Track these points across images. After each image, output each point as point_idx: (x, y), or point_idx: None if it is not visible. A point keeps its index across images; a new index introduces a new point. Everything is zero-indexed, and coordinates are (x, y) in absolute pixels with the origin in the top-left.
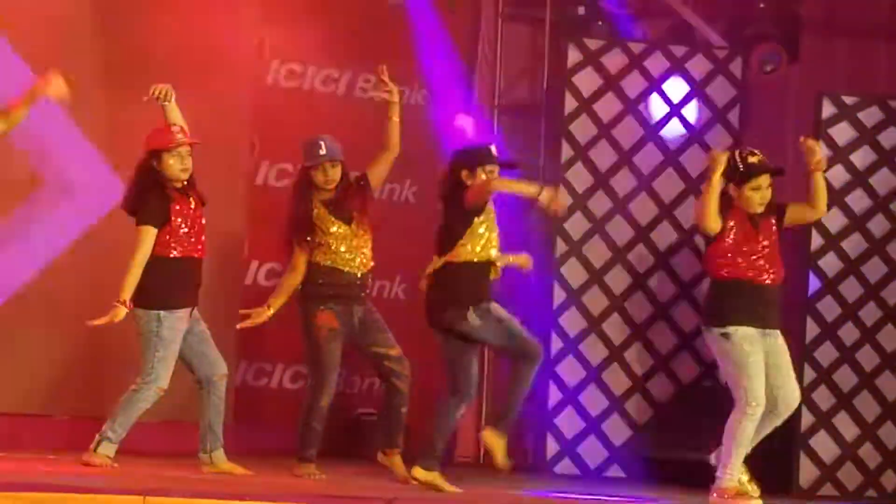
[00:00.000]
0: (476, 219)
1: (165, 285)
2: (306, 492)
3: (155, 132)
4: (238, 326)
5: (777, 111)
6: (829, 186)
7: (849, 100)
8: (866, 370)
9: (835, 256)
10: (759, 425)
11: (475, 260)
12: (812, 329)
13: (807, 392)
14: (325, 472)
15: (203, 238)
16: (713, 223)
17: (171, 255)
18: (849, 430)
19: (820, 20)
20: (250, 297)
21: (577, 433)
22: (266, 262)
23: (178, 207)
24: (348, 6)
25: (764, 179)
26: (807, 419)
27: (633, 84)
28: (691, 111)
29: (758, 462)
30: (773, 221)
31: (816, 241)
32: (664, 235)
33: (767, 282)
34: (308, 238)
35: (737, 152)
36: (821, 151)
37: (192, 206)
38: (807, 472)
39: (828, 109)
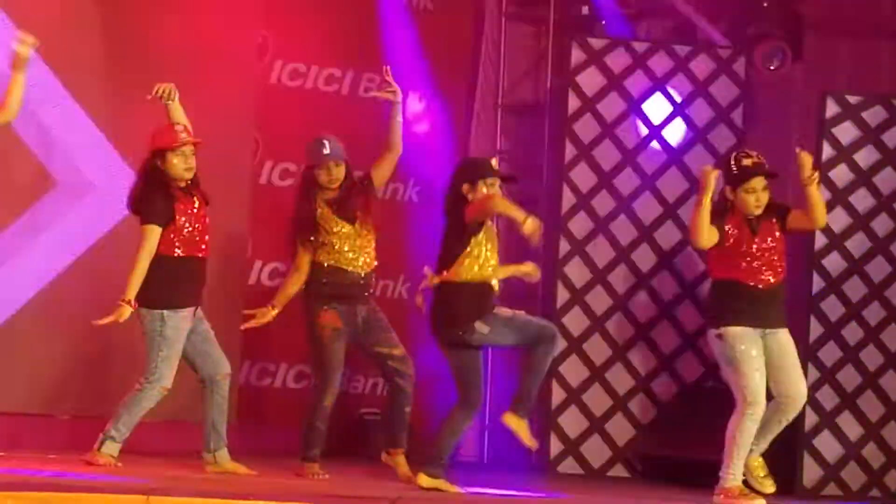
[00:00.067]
0: (473, 238)
1: (169, 285)
2: (310, 491)
3: (158, 131)
4: (242, 327)
5: (781, 111)
6: (833, 185)
7: (853, 99)
8: (870, 370)
9: (838, 256)
10: (768, 424)
11: (473, 280)
12: (816, 328)
13: (810, 392)
14: (328, 471)
15: (207, 237)
16: (705, 241)
17: (175, 255)
18: (852, 429)
19: (823, 19)
20: (254, 297)
21: (581, 432)
22: (269, 261)
23: (182, 207)
24: (350, 5)
25: (758, 182)
26: (810, 419)
27: (636, 84)
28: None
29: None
30: (775, 222)
31: (820, 240)
32: (667, 235)
33: (762, 285)
34: (312, 238)
35: (733, 154)
36: (811, 166)
37: (196, 205)
38: (810, 472)
39: (832, 109)
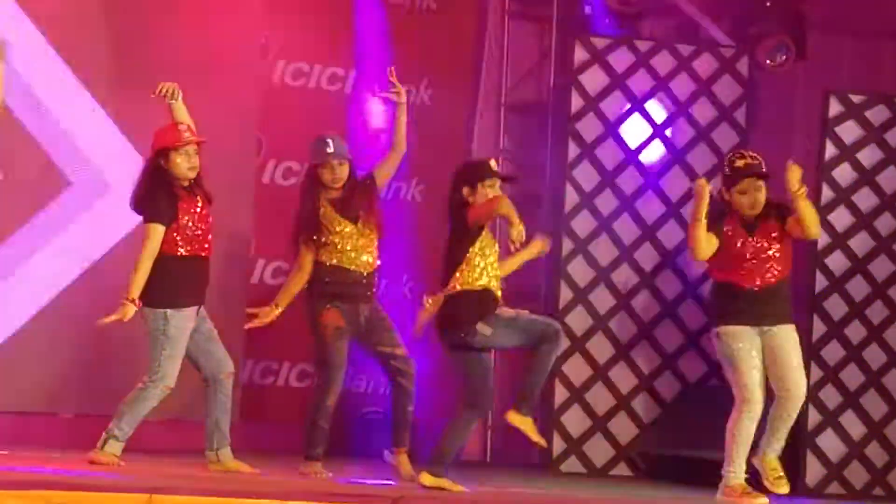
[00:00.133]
0: (476, 243)
1: (173, 284)
2: (313, 490)
3: (162, 131)
4: (246, 326)
5: (784, 110)
6: (836, 184)
7: (856, 98)
8: (873, 369)
9: (842, 255)
10: (774, 423)
11: (476, 284)
12: (819, 327)
13: (814, 391)
14: (331, 470)
15: (210, 237)
16: (704, 253)
17: (179, 254)
18: (856, 428)
19: (826, 18)
20: (257, 296)
21: (584, 432)
22: (272, 260)
23: (185, 206)
24: (352, 5)
25: (749, 183)
26: (814, 418)
27: (639, 82)
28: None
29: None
30: (775, 222)
31: (823, 239)
32: (670, 234)
33: (756, 287)
34: (314, 237)
35: (728, 155)
36: (798, 180)
37: (200, 204)
38: (814, 471)
39: (835, 108)
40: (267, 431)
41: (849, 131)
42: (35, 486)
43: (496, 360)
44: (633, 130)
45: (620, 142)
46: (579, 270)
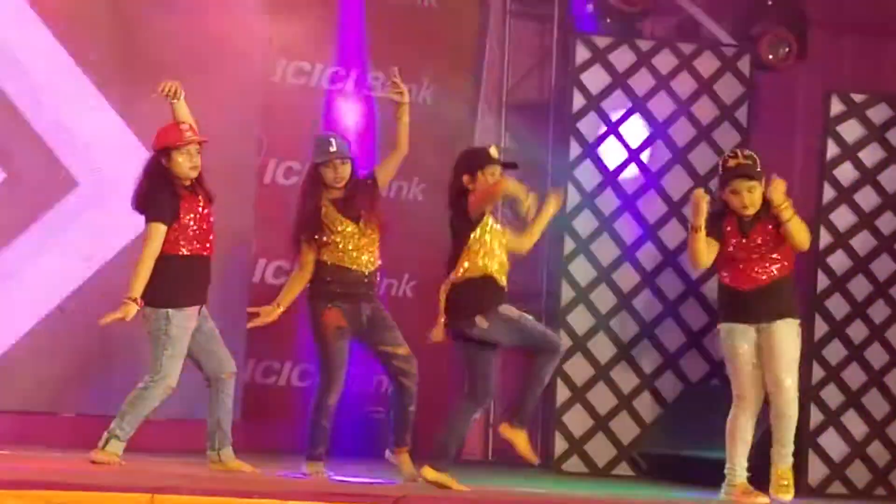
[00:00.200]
0: (476, 230)
1: (174, 283)
2: (314, 490)
3: (164, 130)
4: (248, 326)
5: (785, 109)
6: (838, 184)
7: (857, 97)
8: (875, 368)
9: (843, 254)
10: (773, 425)
11: (477, 273)
12: (821, 327)
13: (815, 390)
14: (332, 469)
15: (211, 236)
16: (704, 263)
17: (180, 253)
18: (858, 428)
19: (828, 17)
20: (258, 295)
21: (585, 431)
22: (274, 259)
23: (187, 205)
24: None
25: (740, 183)
26: (815, 417)
27: (641, 81)
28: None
29: (766, 460)
30: (773, 221)
31: (825, 238)
32: (672, 233)
33: (748, 287)
34: (316, 236)
35: (724, 154)
36: (781, 195)
37: (201, 204)
38: (816, 471)
39: (836, 107)
40: (269, 431)
41: (850, 130)
42: (35, 486)
43: (500, 361)
44: (635, 130)
45: (622, 141)
46: (581, 270)
